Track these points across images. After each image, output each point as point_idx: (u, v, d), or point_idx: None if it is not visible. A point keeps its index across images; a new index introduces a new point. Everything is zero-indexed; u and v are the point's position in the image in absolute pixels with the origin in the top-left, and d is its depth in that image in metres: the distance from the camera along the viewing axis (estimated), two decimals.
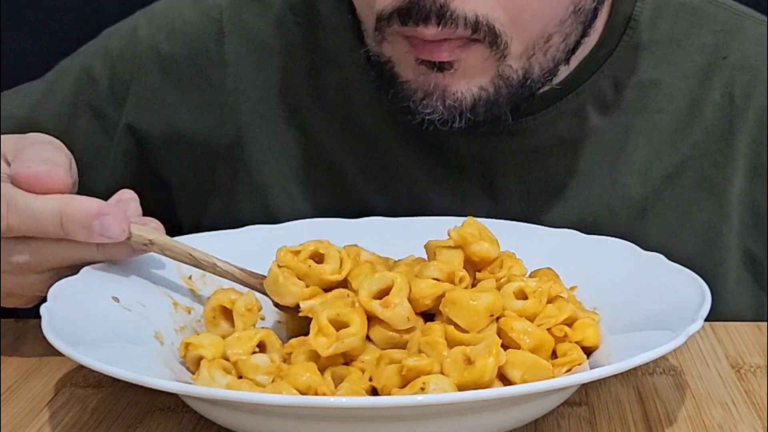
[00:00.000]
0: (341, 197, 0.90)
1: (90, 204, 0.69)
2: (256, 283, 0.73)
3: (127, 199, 0.73)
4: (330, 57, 0.90)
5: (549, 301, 0.68)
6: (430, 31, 0.76)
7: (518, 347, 0.64)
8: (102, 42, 0.95)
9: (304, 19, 0.91)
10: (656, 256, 0.75)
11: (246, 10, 0.91)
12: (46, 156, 0.71)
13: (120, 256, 0.72)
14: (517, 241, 0.77)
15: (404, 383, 0.62)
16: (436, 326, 0.65)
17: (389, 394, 0.62)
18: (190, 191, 0.93)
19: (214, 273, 0.73)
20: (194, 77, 0.91)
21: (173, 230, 0.77)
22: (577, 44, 0.84)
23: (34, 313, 0.68)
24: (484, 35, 0.77)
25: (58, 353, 0.62)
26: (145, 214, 0.74)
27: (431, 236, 0.74)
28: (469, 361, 0.62)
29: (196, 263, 0.73)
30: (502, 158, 0.88)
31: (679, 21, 0.91)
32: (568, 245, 0.79)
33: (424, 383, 0.60)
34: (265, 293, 0.72)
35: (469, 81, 0.80)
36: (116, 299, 0.70)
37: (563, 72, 0.87)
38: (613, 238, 0.78)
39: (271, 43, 0.91)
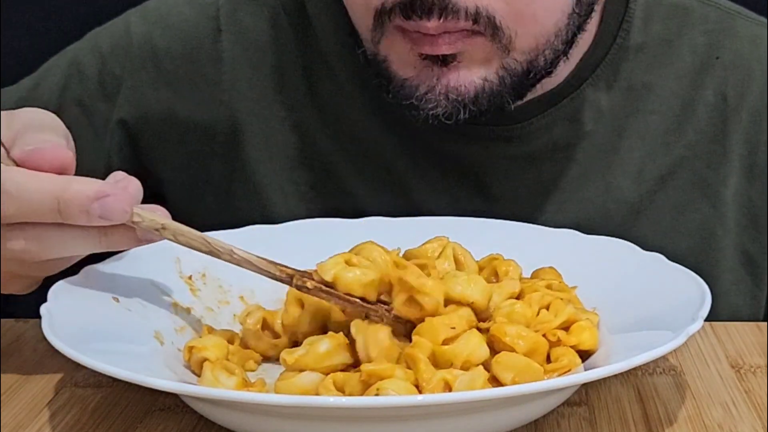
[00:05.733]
0: (336, 199, 0.90)
1: (88, 185, 0.64)
2: (276, 270, 0.68)
3: (122, 179, 0.68)
4: (323, 59, 0.90)
5: (545, 306, 0.68)
6: (432, 24, 0.76)
7: (512, 351, 0.64)
8: (90, 39, 0.94)
9: (297, 20, 0.90)
10: (656, 256, 0.75)
11: (242, 8, 0.91)
12: (45, 136, 0.67)
13: (125, 245, 0.67)
14: (517, 241, 0.77)
15: (365, 389, 0.61)
16: (424, 343, 0.64)
17: None
18: (183, 188, 0.93)
19: (230, 261, 0.68)
20: (190, 73, 0.91)
21: None
22: (574, 37, 0.83)
23: (34, 313, 0.68)
24: (485, 27, 0.77)
25: (58, 353, 0.62)
26: None
27: (430, 236, 0.74)
28: (447, 388, 0.61)
29: (211, 250, 0.67)
30: (496, 163, 0.88)
31: (670, 22, 0.90)
32: (568, 245, 0.79)
33: (378, 389, 0.60)
34: (285, 281, 0.68)
35: (473, 73, 0.79)
36: (116, 299, 0.70)
37: (564, 68, 0.86)
38: (613, 238, 0.78)
39: (266, 43, 0.91)
